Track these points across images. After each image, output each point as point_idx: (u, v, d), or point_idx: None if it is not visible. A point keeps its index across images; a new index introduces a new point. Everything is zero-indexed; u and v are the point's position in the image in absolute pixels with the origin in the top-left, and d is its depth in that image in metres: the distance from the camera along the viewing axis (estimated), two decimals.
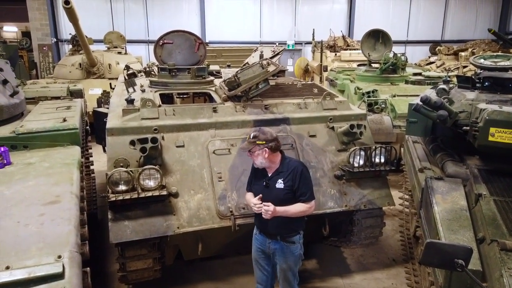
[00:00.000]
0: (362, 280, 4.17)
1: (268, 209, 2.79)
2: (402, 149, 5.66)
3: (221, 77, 5.42)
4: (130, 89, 4.64)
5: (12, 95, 4.04)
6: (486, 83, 3.89)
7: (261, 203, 2.84)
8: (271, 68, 4.10)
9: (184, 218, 3.38)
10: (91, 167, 5.92)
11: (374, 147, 3.82)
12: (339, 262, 4.48)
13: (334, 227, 4.09)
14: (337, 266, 4.40)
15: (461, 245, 2.04)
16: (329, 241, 4.57)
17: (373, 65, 8.77)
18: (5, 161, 3.07)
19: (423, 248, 2.04)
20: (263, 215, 2.83)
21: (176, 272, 4.17)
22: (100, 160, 6.66)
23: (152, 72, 5.56)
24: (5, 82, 4.03)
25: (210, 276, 4.17)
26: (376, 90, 7.24)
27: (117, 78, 7.32)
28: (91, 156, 5.95)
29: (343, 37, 14.53)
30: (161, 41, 5.06)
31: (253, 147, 2.87)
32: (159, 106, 3.92)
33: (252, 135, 2.92)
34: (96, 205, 5.54)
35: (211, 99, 4.53)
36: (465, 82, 4.09)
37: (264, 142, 2.86)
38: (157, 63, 5.22)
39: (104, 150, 4.67)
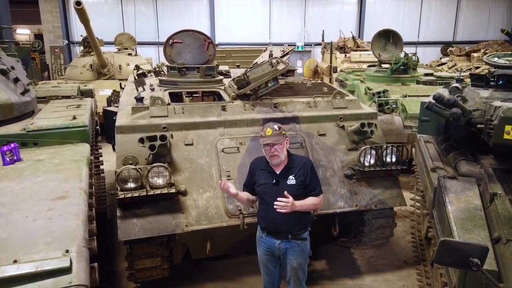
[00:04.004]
0: (372, 281, 4.10)
1: (288, 200, 2.72)
2: (413, 149, 5.57)
3: (230, 77, 5.40)
4: (140, 88, 4.65)
5: (23, 93, 4.07)
6: (501, 81, 3.80)
7: (288, 200, 2.73)
8: (281, 67, 4.07)
9: (193, 216, 3.35)
10: (101, 167, 5.94)
11: (385, 146, 3.75)
12: (349, 263, 4.41)
13: (344, 227, 4.03)
14: (347, 267, 4.34)
15: (476, 243, 1.98)
16: (339, 241, 4.51)
17: (383, 65, 8.68)
18: (15, 157, 3.09)
19: (437, 247, 1.98)
20: (278, 210, 2.74)
21: (184, 272, 4.15)
22: (110, 160, 6.69)
23: (162, 72, 5.57)
24: (16, 80, 4.07)
25: (218, 276, 4.14)
26: (387, 91, 7.15)
27: (127, 79, 7.36)
28: (101, 156, 5.98)
29: (353, 38, 14.45)
30: (171, 40, 5.08)
31: (281, 138, 2.81)
32: (168, 104, 3.92)
33: (275, 127, 2.83)
34: (105, 204, 5.55)
35: (220, 98, 4.51)
36: (479, 81, 4.01)
37: (285, 132, 2.85)
38: (167, 63, 5.23)
39: (114, 149, 4.69)
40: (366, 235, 4.04)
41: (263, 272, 3.16)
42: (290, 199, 2.73)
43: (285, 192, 2.76)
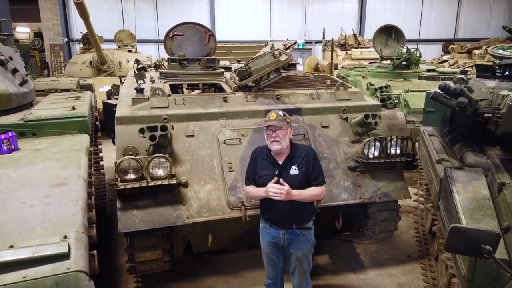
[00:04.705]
0: (376, 276, 4.04)
1: (283, 188, 2.66)
2: (416, 144, 5.50)
3: (231, 70, 5.34)
4: (140, 81, 4.59)
5: (21, 84, 4.01)
6: (507, 72, 3.74)
7: (283, 187, 2.67)
8: (283, 58, 4.01)
9: (194, 208, 3.29)
10: (101, 163, 5.88)
11: (389, 137, 3.68)
12: (352, 258, 4.35)
13: (347, 220, 3.97)
14: (351, 262, 4.27)
15: (488, 230, 1.92)
16: (342, 236, 4.46)
17: (384, 61, 8.62)
18: (13, 147, 3.03)
19: (447, 233, 1.92)
20: (275, 197, 2.68)
21: (186, 266, 4.09)
22: (109, 157, 6.61)
23: (162, 66, 5.51)
24: (14, 71, 4.00)
25: (219, 270, 4.08)
26: (389, 86, 7.09)
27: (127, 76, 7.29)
28: (101, 152, 5.92)
29: (354, 35, 14.40)
30: (171, 33, 5.02)
31: (285, 125, 2.74)
32: (169, 95, 3.86)
33: (280, 113, 2.78)
34: (105, 199, 5.50)
35: (221, 91, 4.44)
36: (485, 71, 3.96)
37: (289, 121, 2.81)
38: (167, 57, 5.16)
39: (114, 143, 4.63)
40: (369, 229, 3.97)
41: (266, 264, 3.10)
42: (286, 186, 2.67)
43: (281, 180, 2.71)
